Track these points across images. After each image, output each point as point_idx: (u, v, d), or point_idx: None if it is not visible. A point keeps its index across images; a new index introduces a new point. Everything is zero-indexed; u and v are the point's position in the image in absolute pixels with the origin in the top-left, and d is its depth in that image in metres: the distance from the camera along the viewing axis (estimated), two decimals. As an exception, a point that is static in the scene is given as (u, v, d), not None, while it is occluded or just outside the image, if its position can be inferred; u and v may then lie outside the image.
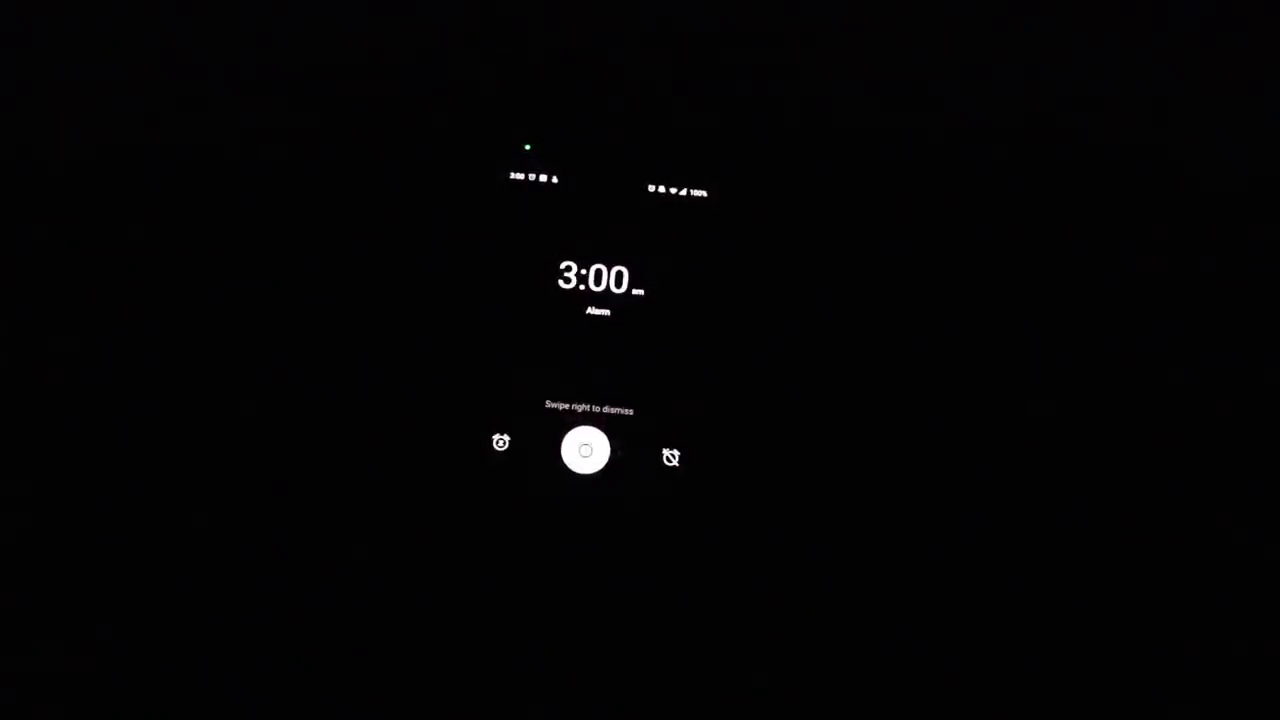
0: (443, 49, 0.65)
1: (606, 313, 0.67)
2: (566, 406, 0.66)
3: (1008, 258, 0.65)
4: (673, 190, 0.67)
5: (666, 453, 0.66)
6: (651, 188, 0.67)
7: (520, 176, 0.67)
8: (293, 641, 0.63)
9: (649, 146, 0.67)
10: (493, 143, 0.66)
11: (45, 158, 0.64)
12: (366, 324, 0.66)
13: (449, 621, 0.64)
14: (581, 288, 0.67)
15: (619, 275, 0.67)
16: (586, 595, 0.65)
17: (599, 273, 0.67)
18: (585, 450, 0.66)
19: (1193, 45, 0.63)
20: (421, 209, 0.66)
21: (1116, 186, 0.65)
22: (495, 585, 0.65)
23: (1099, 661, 0.63)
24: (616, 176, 0.67)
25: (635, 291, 0.67)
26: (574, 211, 0.67)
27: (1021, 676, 0.63)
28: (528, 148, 0.67)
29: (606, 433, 0.66)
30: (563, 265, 0.67)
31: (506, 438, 0.66)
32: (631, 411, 0.66)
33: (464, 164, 0.66)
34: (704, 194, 0.66)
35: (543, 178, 0.67)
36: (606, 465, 0.66)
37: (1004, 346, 0.65)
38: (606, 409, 0.66)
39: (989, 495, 0.65)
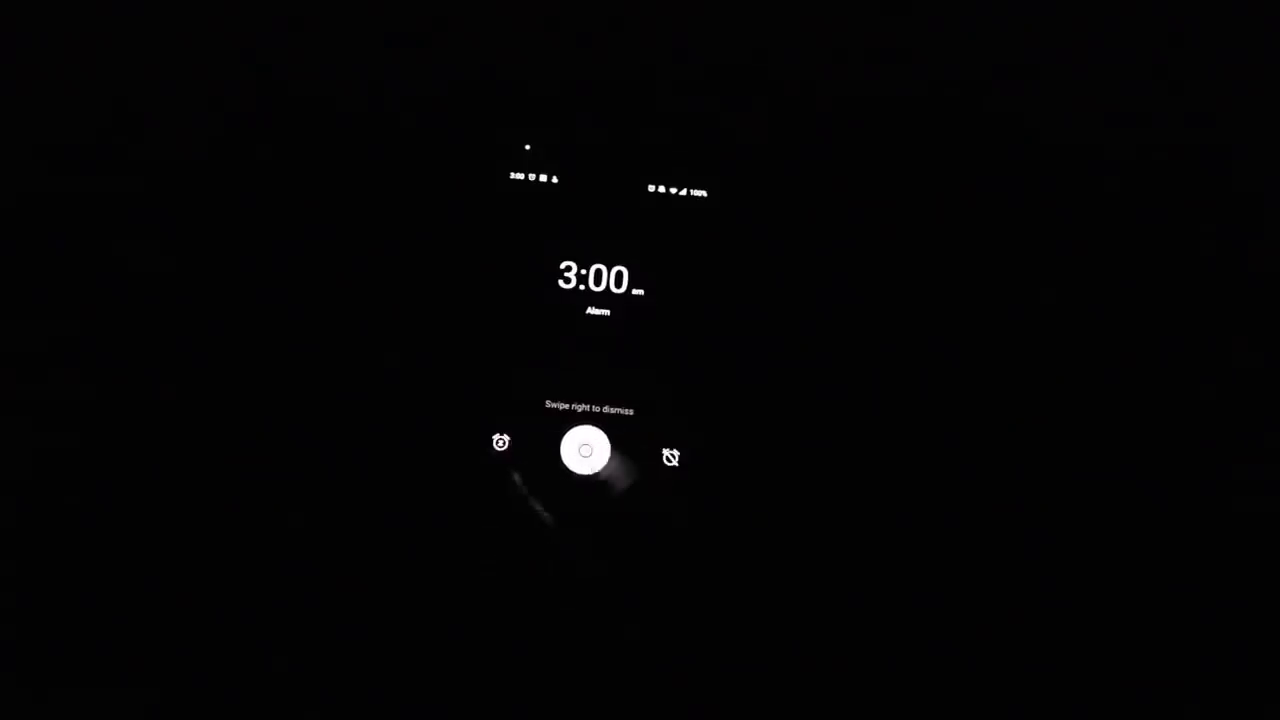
0: (443, 49, 0.65)
1: (606, 313, 0.67)
2: (566, 406, 0.66)
3: (1010, 259, 0.65)
4: (673, 190, 0.67)
5: (666, 453, 0.66)
6: (651, 188, 0.67)
7: (520, 176, 0.67)
8: (292, 641, 0.63)
9: (649, 146, 0.67)
10: (493, 143, 0.66)
11: (53, 159, 0.64)
12: (366, 324, 0.66)
13: (449, 622, 0.64)
14: (581, 288, 0.67)
15: (619, 275, 0.67)
16: (586, 595, 0.65)
17: (599, 273, 0.67)
18: (585, 450, 0.66)
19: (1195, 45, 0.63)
20: (422, 209, 0.66)
21: (1120, 189, 0.65)
22: (495, 585, 0.64)
23: (1098, 662, 0.63)
24: (616, 176, 0.67)
25: (635, 291, 0.67)
26: (574, 211, 0.67)
27: (1021, 676, 0.63)
28: (528, 148, 0.67)
29: (606, 433, 0.66)
30: (563, 265, 0.67)
31: (506, 438, 0.66)
32: (631, 411, 0.66)
33: (464, 164, 0.66)
34: (704, 194, 0.66)
35: (543, 178, 0.67)
36: (606, 465, 0.66)
37: (1005, 347, 0.65)
38: (606, 409, 0.66)
39: (990, 495, 0.64)
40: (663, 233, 0.67)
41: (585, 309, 0.67)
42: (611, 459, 0.66)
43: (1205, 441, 0.64)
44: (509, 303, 0.66)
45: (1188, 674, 0.62)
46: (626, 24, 0.65)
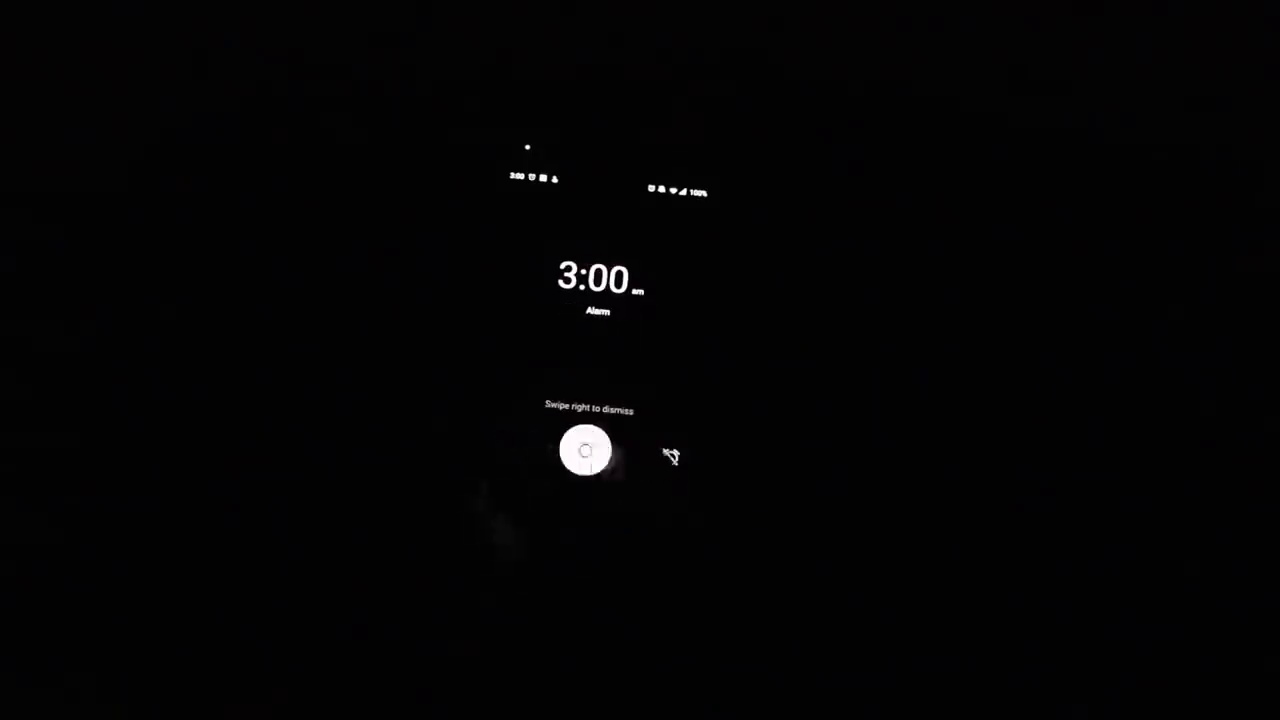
0: (443, 49, 0.65)
1: (606, 313, 0.67)
2: (566, 406, 0.66)
3: (1010, 258, 0.65)
4: (673, 190, 0.67)
5: (666, 453, 0.66)
6: (651, 188, 0.67)
7: (520, 176, 0.67)
8: (291, 641, 0.63)
9: (649, 146, 0.67)
10: (493, 143, 0.66)
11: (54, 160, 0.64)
12: (367, 324, 0.66)
13: (449, 622, 0.64)
14: (581, 288, 0.67)
15: (619, 275, 0.67)
16: (586, 595, 0.65)
17: (599, 273, 0.67)
18: (585, 450, 0.66)
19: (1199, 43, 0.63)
20: (421, 209, 0.66)
21: (1122, 189, 0.65)
22: (495, 585, 0.65)
23: (1097, 664, 0.63)
24: (616, 176, 0.67)
25: (635, 291, 0.67)
26: (574, 211, 0.67)
27: (1021, 677, 0.63)
28: (528, 148, 0.67)
29: (607, 433, 0.66)
30: (563, 265, 0.67)
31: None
32: (631, 411, 0.66)
33: (464, 164, 0.66)
34: (704, 194, 0.66)
35: (543, 178, 0.67)
36: (606, 465, 0.66)
37: (1006, 347, 0.65)
38: (606, 409, 0.66)
39: (990, 495, 0.64)
40: (663, 233, 0.66)
41: (585, 309, 0.67)
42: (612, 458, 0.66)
43: (1205, 441, 0.64)
44: (509, 303, 0.66)
45: (1186, 674, 0.62)
46: (627, 24, 0.65)
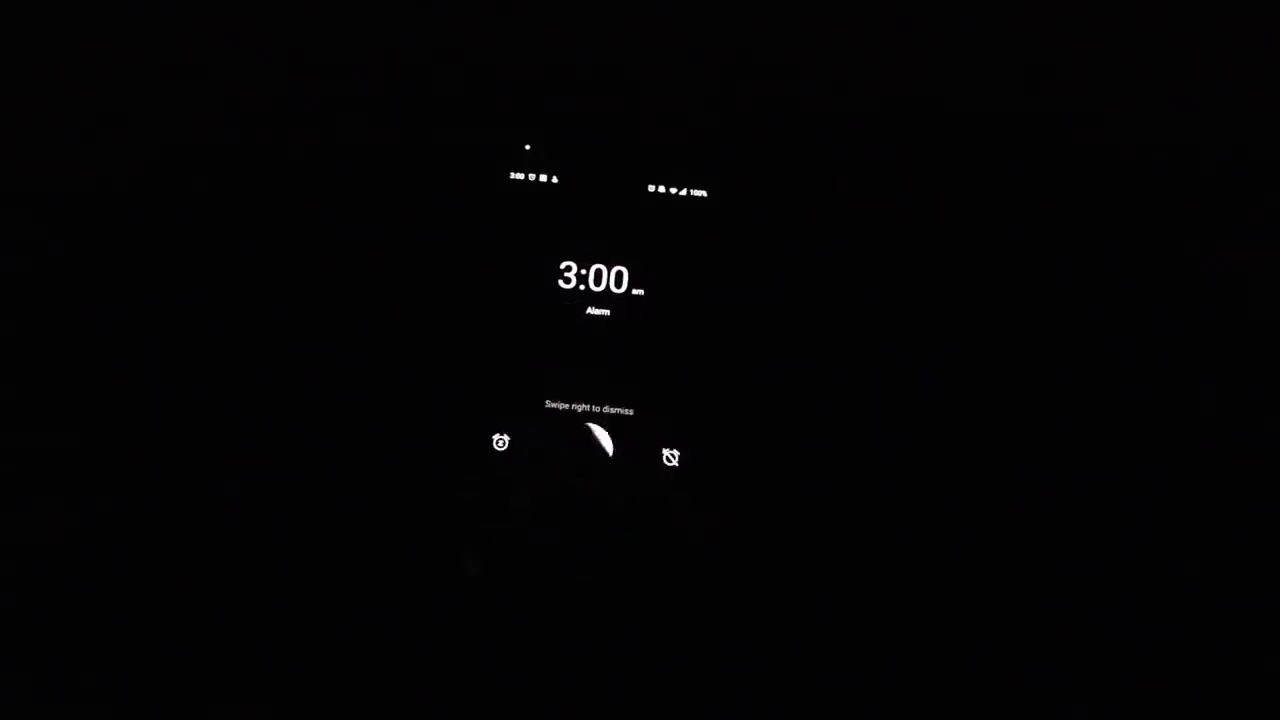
0: (443, 49, 0.65)
1: (606, 313, 0.67)
2: (566, 406, 0.67)
3: (1008, 259, 0.65)
4: (673, 190, 0.67)
5: (666, 453, 0.66)
6: (651, 188, 0.67)
7: (520, 176, 0.67)
8: (294, 637, 0.63)
9: (649, 146, 0.67)
10: (493, 143, 0.66)
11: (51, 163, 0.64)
12: (367, 324, 0.66)
13: (449, 622, 0.64)
14: (581, 288, 0.67)
15: (619, 275, 0.67)
16: (586, 595, 0.65)
17: (599, 273, 0.67)
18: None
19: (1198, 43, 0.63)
20: (422, 209, 0.66)
21: (1123, 189, 0.65)
22: (495, 584, 0.65)
23: (1097, 664, 0.63)
24: (616, 176, 0.67)
25: (635, 291, 0.67)
26: (574, 211, 0.67)
27: (1020, 677, 0.63)
28: (528, 148, 0.67)
29: (607, 432, 0.66)
30: (563, 265, 0.67)
31: (506, 438, 0.66)
32: (631, 411, 0.67)
33: (464, 164, 0.66)
34: (704, 194, 0.66)
35: (543, 178, 0.67)
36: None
37: (1004, 347, 0.65)
38: (606, 409, 0.66)
39: (989, 494, 0.64)
40: (663, 233, 0.66)
41: (585, 309, 0.67)
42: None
43: (1205, 441, 0.64)
44: (509, 303, 0.67)
45: (1186, 674, 0.62)
46: (628, 25, 0.65)
